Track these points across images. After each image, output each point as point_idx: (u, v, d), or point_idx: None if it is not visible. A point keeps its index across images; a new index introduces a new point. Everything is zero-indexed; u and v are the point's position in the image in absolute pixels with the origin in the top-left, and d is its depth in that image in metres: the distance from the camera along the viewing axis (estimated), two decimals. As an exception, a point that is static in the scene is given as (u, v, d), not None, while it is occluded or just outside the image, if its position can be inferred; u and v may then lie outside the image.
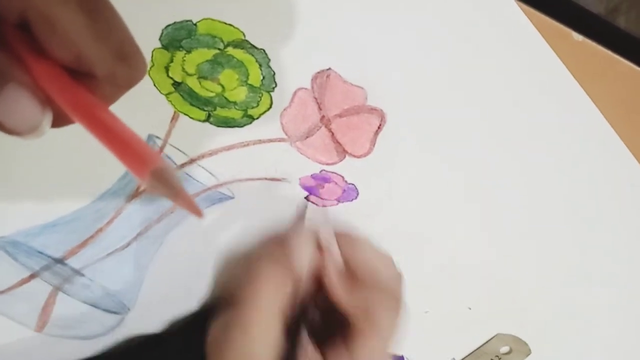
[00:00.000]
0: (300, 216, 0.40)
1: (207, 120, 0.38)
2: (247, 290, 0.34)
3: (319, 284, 0.37)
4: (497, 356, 0.51)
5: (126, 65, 0.23)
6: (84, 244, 0.40)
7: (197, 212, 0.20)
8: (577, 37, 0.41)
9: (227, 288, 0.36)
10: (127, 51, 0.24)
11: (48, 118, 0.23)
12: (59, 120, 0.24)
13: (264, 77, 0.37)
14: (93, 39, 0.21)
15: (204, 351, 0.36)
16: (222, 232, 0.42)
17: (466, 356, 0.51)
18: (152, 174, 0.20)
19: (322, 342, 0.38)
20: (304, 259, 0.36)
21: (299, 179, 0.41)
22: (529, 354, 0.51)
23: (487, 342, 0.51)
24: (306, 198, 0.42)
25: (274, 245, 0.36)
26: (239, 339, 0.34)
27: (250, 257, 0.35)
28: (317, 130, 0.39)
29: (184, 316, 0.43)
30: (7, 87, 0.21)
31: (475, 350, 0.51)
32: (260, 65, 0.36)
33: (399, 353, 0.50)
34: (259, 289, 0.34)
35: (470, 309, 0.49)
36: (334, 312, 0.38)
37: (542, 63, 0.41)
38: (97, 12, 0.22)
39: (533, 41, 0.40)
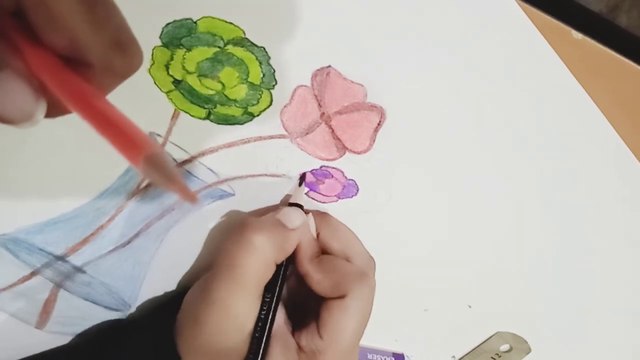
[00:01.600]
0: (298, 191, 0.41)
1: (207, 117, 0.38)
2: (235, 261, 0.34)
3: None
4: (497, 354, 0.51)
5: (122, 54, 0.23)
6: (85, 241, 0.40)
7: (192, 199, 0.21)
8: (577, 35, 0.41)
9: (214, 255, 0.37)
10: (124, 39, 0.23)
11: (42, 107, 0.22)
12: (54, 110, 0.23)
13: (264, 75, 0.37)
14: (89, 26, 0.21)
15: (172, 333, 0.36)
16: (223, 228, 0.42)
17: (466, 354, 0.51)
18: (145, 160, 0.20)
19: (295, 314, 0.39)
20: (296, 235, 0.36)
21: (299, 174, 0.41)
22: (529, 352, 0.51)
23: (486, 340, 0.51)
24: (306, 194, 0.42)
25: (268, 219, 0.36)
26: (217, 315, 0.34)
27: (243, 224, 0.35)
28: (317, 127, 0.39)
29: (152, 300, 0.43)
30: (0, 75, 0.21)
31: (475, 349, 0.51)
32: (260, 63, 0.37)
33: (399, 351, 0.50)
34: (246, 265, 0.34)
35: (470, 307, 0.49)
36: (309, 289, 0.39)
37: (541, 61, 0.41)
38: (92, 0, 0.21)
39: (532, 39, 0.40)
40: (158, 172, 0.20)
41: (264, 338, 0.34)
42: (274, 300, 0.36)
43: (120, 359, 0.37)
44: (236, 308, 0.34)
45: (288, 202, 0.40)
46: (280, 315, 0.37)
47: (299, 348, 0.36)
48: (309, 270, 0.37)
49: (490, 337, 0.51)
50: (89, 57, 0.22)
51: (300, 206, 0.39)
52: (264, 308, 0.35)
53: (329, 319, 0.36)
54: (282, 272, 0.37)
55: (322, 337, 0.36)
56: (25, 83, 0.21)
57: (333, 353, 0.36)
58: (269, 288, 0.36)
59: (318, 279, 0.37)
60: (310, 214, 0.39)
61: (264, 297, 0.35)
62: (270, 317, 0.35)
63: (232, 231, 0.35)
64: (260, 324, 0.35)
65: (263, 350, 0.34)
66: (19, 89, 0.21)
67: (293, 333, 0.37)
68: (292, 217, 0.36)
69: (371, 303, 0.37)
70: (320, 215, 0.41)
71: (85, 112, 0.22)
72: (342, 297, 0.36)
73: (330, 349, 0.36)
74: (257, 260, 0.34)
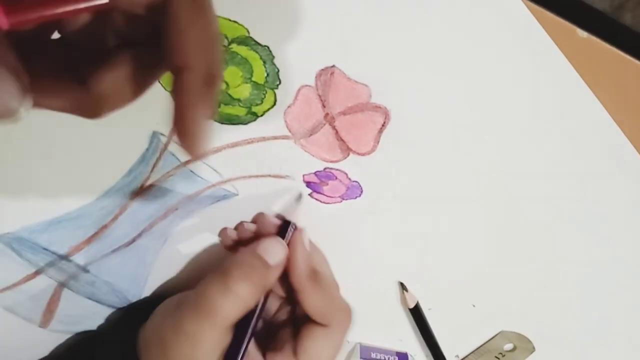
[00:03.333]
0: (293, 207, 0.40)
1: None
2: (214, 307, 0.33)
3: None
4: (501, 353, 0.51)
5: (208, 87, 0.25)
6: (88, 241, 0.40)
7: None
8: (582, 33, 0.41)
9: (193, 281, 0.36)
10: (215, 74, 0.25)
11: (27, 104, 0.22)
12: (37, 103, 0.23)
13: (268, 74, 0.37)
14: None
15: (135, 343, 0.36)
16: (226, 229, 0.42)
17: (470, 353, 0.51)
18: None
19: (266, 340, 0.38)
20: (277, 271, 0.36)
21: (303, 175, 0.41)
22: (533, 352, 0.51)
23: (490, 339, 0.51)
24: (310, 195, 0.42)
25: (248, 259, 0.35)
26: (184, 346, 0.33)
27: (225, 274, 0.34)
28: (321, 127, 0.39)
29: (118, 312, 0.43)
30: None
31: (478, 348, 0.51)
32: (264, 62, 0.36)
33: (403, 350, 0.50)
34: (227, 312, 0.33)
35: (474, 306, 0.49)
36: (284, 303, 0.39)
37: (546, 60, 0.41)
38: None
39: (538, 38, 0.40)
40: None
41: None
42: (248, 333, 0.35)
43: None
44: (206, 343, 0.33)
45: (282, 218, 0.39)
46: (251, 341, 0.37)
47: None
48: (305, 288, 0.36)
49: (494, 336, 0.51)
50: (188, 60, 0.24)
51: (288, 223, 0.38)
52: (236, 339, 0.35)
53: (311, 344, 0.36)
54: (258, 309, 0.36)
55: (298, 359, 0.36)
56: (12, 79, 0.21)
57: None
58: (242, 321, 0.36)
59: (313, 298, 0.36)
60: (303, 229, 0.38)
61: (235, 330, 0.35)
62: (243, 349, 0.34)
63: (214, 273, 0.35)
64: (231, 352, 0.34)
65: None
66: (5, 85, 0.21)
67: (264, 355, 0.37)
68: (274, 252, 0.35)
69: (346, 336, 0.38)
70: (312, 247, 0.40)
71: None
72: (326, 325, 0.36)
73: None
74: (239, 308, 0.34)
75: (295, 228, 0.38)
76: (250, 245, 0.36)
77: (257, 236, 0.38)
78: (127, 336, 0.37)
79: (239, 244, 0.38)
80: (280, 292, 0.40)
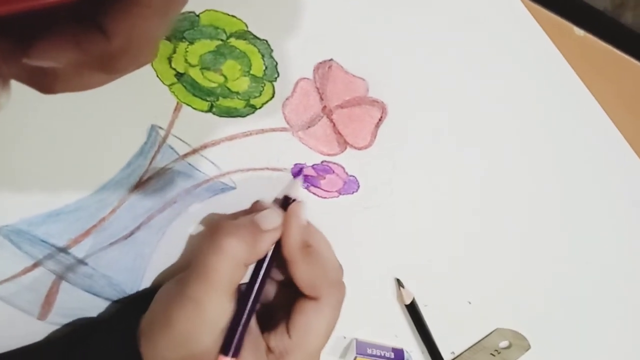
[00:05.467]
0: (294, 183, 0.41)
1: (209, 110, 0.38)
2: (205, 263, 0.34)
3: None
4: (497, 350, 0.51)
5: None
6: (87, 233, 0.40)
7: None
8: (579, 32, 0.41)
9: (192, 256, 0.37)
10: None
11: (6, 95, 0.22)
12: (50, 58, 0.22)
13: (266, 68, 0.37)
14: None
15: (135, 333, 0.36)
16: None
17: (465, 350, 0.51)
18: None
19: (265, 315, 0.39)
20: (270, 237, 0.36)
21: (293, 165, 0.41)
22: (528, 349, 0.51)
23: (486, 336, 0.51)
24: (307, 189, 0.42)
25: (241, 221, 0.36)
26: (190, 313, 0.34)
27: (216, 228, 0.35)
28: (319, 120, 0.39)
29: (118, 302, 0.43)
30: None
31: (474, 345, 0.51)
32: (262, 56, 0.37)
33: (399, 346, 0.50)
34: (215, 267, 0.34)
35: (470, 303, 0.49)
36: (282, 287, 0.39)
37: (543, 58, 0.41)
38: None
39: (535, 36, 0.40)
40: None
41: (236, 336, 0.35)
42: (250, 300, 0.36)
43: (85, 358, 0.37)
44: (209, 307, 0.34)
45: (283, 194, 0.40)
46: (252, 318, 0.38)
47: (268, 349, 0.37)
48: (296, 258, 0.37)
49: (490, 333, 0.51)
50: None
51: (288, 199, 0.39)
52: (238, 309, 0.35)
53: (300, 319, 0.36)
54: (261, 274, 0.37)
55: (290, 336, 0.36)
56: None
57: (299, 353, 0.36)
58: (246, 289, 0.36)
59: (302, 270, 0.37)
60: (302, 201, 0.39)
61: (238, 299, 0.36)
62: (245, 315, 0.35)
63: (207, 234, 0.36)
64: (233, 324, 0.35)
65: (235, 348, 0.34)
66: None
67: (262, 334, 0.38)
68: (268, 218, 0.36)
69: (340, 310, 0.38)
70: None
71: None
72: (316, 298, 0.37)
73: (298, 348, 0.36)
74: (226, 262, 0.34)
75: (291, 202, 0.38)
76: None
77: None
78: (126, 324, 0.37)
79: None
80: (279, 276, 0.40)
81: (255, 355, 0.36)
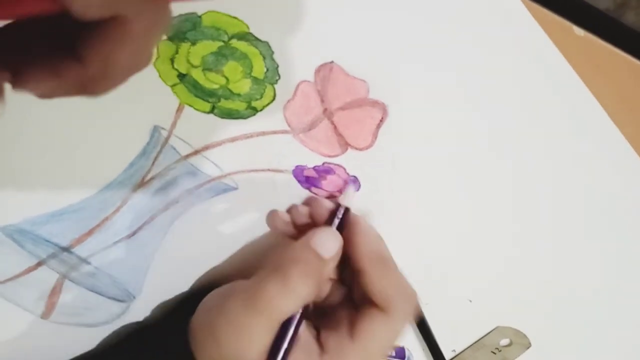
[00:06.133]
0: (349, 193, 0.40)
1: (211, 111, 0.38)
2: (271, 303, 0.33)
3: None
4: (497, 348, 0.51)
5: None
6: (90, 233, 0.40)
7: None
8: (579, 31, 0.41)
9: (241, 270, 0.36)
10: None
11: (2, 105, 0.22)
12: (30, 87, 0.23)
13: (267, 70, 0.37)
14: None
15: (185, 337, 0.36)
16: (226, 222, 0.42)
17: (466, 348, 0.51)
18: None
19: (320, 320, 0.38)
20: (332, 264, 0.35)
21: (295, 166, 0.41)
22: (529, 347, 0.51)
23: (487, 334, 0.51)
24: (308, 189, 0.42)
25: (306, 255, 0.35)
26: (232, 335, 0.33)
27: (285, 270, 0.34)
28: (320, 122, 0.39)
29: (166, 302, 0.43)
30: None
31: (475, 343, 0.51)
32: (264, 58, 0.37)
33: (400, 344, 0.50)
34: (283, 309, 0.32)
35: (470, 301, 0.49)
36: (338, 294, 0.38)
37: (544, 57, 0.41)
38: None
39: (535, 35, 0.40)
40: None
41: (280, 352, 0.34)
42: (293, 323, 0.35)
43: None
44: (259, 337, 0.33)
45: (338, 204, 0.39)
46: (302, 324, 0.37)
47: (323, 351, 0.36)
48: (368, 269, 0.36)
49: (491, 331, 0.51)
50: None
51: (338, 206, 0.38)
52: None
53: (368, 327, 0.34)
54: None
55: (353, 341, 0.35)
56: None
57: (358, 359, 0.35)
58: None
59: (373, 280, 0.35)
60: (362, 215, 0.38)
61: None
62: (288, 337, 0.34)
63: (271, 271, 0.34)
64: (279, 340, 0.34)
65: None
66: None
67: (318, 335, 0.37)
68: (328, 244, 0.34)
69: (408, 323, 0.37)
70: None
71: None
72: (387, 309, 0.34)
73: (358, 355, 0.35)
74: (297, 305, 0.33)
75: (348, 211, 0.37)
76: (303, 237, 0.35)
77: (311, 220, 0.37)
78: (177, 327, 0.37)
79: (292, 228, 0.38)
80: (331, 274, 0.39)
81: (305, 357, 0.35)
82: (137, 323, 0.43)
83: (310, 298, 0.34)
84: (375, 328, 0.35)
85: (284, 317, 0.33)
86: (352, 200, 0.39)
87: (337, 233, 0.36)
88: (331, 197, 0.43)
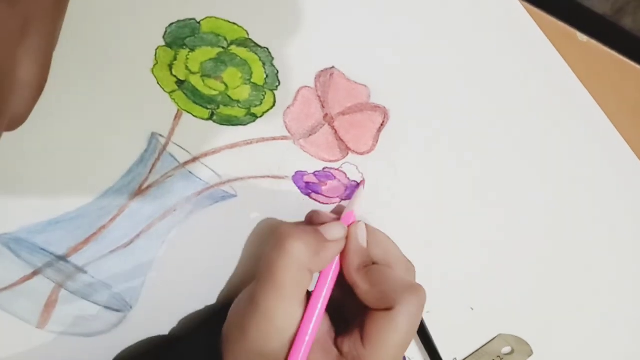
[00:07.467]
0: (357, 196, 0.40)
1: (210, 118, 0.38)
2: (270, 266, 0.34)
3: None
4: (499, 356, 0.51)
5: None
6: (86, 242, 0.40)
7: None
8: (582, 37, 0.41)
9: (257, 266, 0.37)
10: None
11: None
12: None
13: (267, 76, 0.37)
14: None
15: (219, 350, 0.36)
16: (225, 230, 0.42)
17: (468, 356, 0.51)
18: None
19: (339, 321, 0.38)
20: (334, 247, 0.36)
21: (296, 172, 0.41)
22: (531, 355, 0.51)
23: (488, 342, 0.51)
24: (308, 195, 0.42)
25: (306, 227, 0.36)
26: (259, 319, 0.34)
27: (280, 232, 0.35)
28: (321, 128, 0.39)
29: (198, 316, 0.43)
30: None
31: (477, 351, 0.51)
32: (263, 64, 0.36)
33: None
34: (280, 270, 0.34)
35: (472, 309, 0.49)
36: (355, 299, 0.38)
37: (546, 63, 0.41)
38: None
39: (537, 41, 0.40)
40: None
41: (304, 343, 0.34)
42: (317, 307, 0.35)
43: None
44: (276, 314, 0.34)
45: (348, 209, 0.39)
46: (325, 323, 0.37)
47: (341, 355, 0.36)
48: (356, 281, 0.36)
49: (492, 339, 0.51)
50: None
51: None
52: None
53: (374, 330, 0.35)
54: (329, 280, 0.37)
55: (365, 347, 0.35)
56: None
57: None
58: (313, 295, 0.36)
59: (365, 290, 0.36)
60: (362, 222, 0.38)
61: (306, 306, 0.35)
62: (312, 323, 0.35)
63: (270, 240, 0.35)
64: (301, 331, 0.35)
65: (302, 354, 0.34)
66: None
67: (335, 340, 0.37)
68: (333, 230, 0.36)
69: (419, 316, 0.36)
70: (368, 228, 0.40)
71: None
72: (389, 308, 0.35)
73: (373, 359, 0.35)
74: (291, 265, 0.34)
75: (353, 217, 0.38)
76: None
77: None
78: (208, 338, 0.37)
79: None
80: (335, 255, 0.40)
81: (323, 357, 0.35)
82: (164, 336, 0.43)
83: (308, 264, 0.34)
84: (379, 329, 0.35)
85: (290, 287, 0.34)
86: (355, 201, 0.39)
87: (343, 225, 0.37)
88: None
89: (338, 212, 0.40)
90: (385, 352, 0.35)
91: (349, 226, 0.37)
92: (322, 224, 0.37)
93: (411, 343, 0.49)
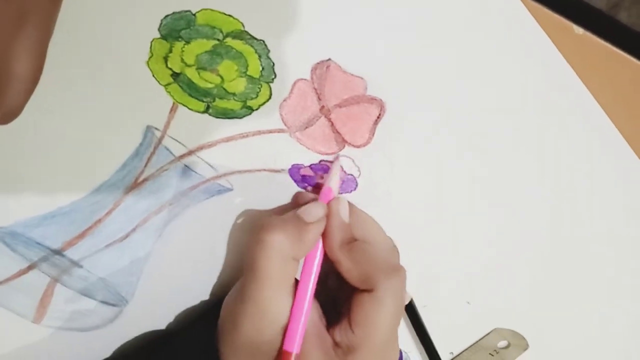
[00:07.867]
0: (334, 171, 0.40)
1: (206, 111, 0.38)
2: (254, 262, 0.34)
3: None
4: (495, 350, 0.51)
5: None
6: (82, 236, 0.40)
7: None
8: (578, 30, 0.41)
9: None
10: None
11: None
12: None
13: (263, 68, 0.37)
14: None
15: (215, 345, 0.36)
16: (221, 224, 0.42)
17: (464, 350, 0.51)
18: None
19: (329, 309, 0.38)
20: (315, 228, 0.36)
21: (293, 165, 0.41)
22: (527, 349, 0.51)
23: (484, 336, 0.51)
24: (304, 189, 0.42)
25: (284, 216, 0.36)
26: (250, 312, 0.34)
27: (260, 225, 0.35)
28: (317, 120, 0.39)
29: (194, 311, 0.43)
30: None
31: (473, 345, 0.51)
32: (259, 56, 0.36)
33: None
34: (264, 263, 0.34)
35: (468, 303, 0.49)
36: (343, 278, 0.38)
37: (542, 56, 0.41)
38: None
39: (534, 34, 0.40)
40: None
41: (299, 328, 0.34)
42: (307, 293, 0.35)
43: None
44: (266, 305, 0.34)
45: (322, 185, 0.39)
46: (315, 312, 0.37)
47: (335, 344, 0.36)
48: (338, 257, 0.36)
49: (488, 333, 0.51)
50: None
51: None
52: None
53: (360, 313, 0.35)
54: (315, 266, 0.36)
55: (354, 332, 0.35)
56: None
57: (368, 348, 0.34)
58: (300, 283, 0.36)
59: (348, 267, 0.36)
60: (343, 198, 0.38)
61: (295, 293, 0.35)
62: (304, 310, 0.35)
63: (251, 233, 0.35)
64: (292, 318, 0.35)
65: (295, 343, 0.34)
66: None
67: (327, 329, 0.37)
68: (311, 211, 0.36)
69: (403, 296, 0.36)
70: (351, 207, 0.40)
71: None
72: (372, 289, 0.35)
73: (364, 343, 0.35)
74: (273, 257, 0.34)
75: (332, 194, 0.38)
76: None
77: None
78: (205, 333, 0.37)
79: None
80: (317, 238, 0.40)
81: (321, 350, 0.35)
82: (161, 331, 0.43)
83: (289, 252, 0.34)
84: (366, 313, 0.35)
85: (274, 278, 0.34)
86: (333, 179, 0.39)
87: (323, 204, 0.37)
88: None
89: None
90: (375, 334, 0.35)
91: (328, 203, 0.37)
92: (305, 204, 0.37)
93: (408, 337, 0.50)
